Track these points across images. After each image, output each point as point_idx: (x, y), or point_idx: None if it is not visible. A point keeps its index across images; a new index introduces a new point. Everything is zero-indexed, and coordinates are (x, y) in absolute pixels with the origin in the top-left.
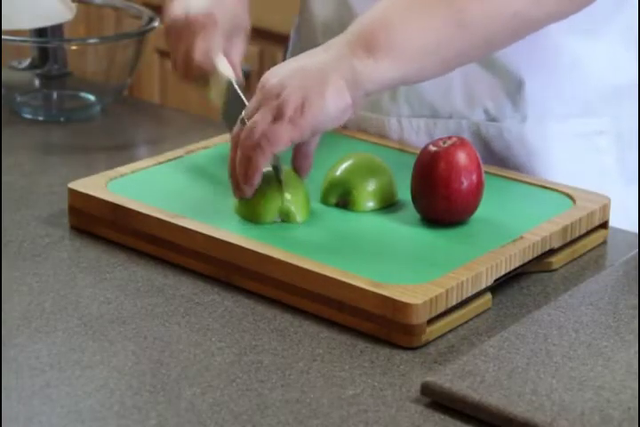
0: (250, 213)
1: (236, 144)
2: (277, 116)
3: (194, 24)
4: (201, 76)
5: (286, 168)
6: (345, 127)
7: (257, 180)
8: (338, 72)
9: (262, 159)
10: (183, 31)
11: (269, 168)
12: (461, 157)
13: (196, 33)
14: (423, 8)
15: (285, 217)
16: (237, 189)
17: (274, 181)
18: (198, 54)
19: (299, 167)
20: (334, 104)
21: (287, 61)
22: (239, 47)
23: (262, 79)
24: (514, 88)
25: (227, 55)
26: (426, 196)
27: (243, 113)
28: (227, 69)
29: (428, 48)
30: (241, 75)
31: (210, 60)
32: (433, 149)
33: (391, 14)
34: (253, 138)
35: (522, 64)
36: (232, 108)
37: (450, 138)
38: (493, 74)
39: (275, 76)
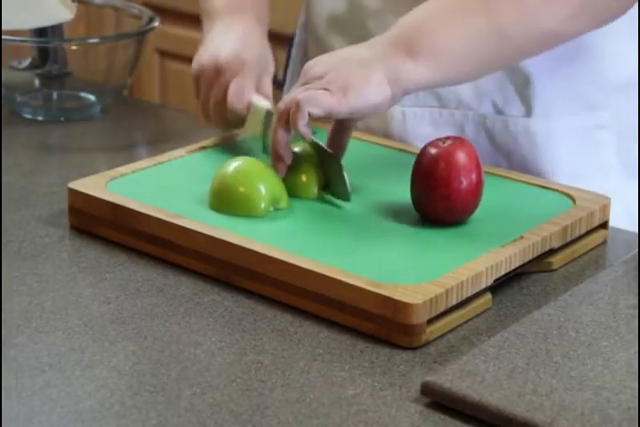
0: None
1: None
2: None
3: (225, 69)
4: (234, 118)
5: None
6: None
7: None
8: (380, 69)
9: (299, 116)
10: (215, 77)
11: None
12: (461, 157)
13: (229, 78)
14: (463, 16)
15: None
16: (277, 158)
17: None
18: (232, 97)
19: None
20: (375, 94)
21: (331, 53)
22: (267, 85)
23: (306, 66)
24: (522, 83)
25: (257, 92)
26: (426, 196)
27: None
28: (262, 101)
29: (465, 56)
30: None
31: (244, 101)
32: (432, 149)
33: (433, 20)
34: (295, 99)
35: (530, 60)
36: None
37: (449, 138)
38: (503, 69)
39: (320, 64)
